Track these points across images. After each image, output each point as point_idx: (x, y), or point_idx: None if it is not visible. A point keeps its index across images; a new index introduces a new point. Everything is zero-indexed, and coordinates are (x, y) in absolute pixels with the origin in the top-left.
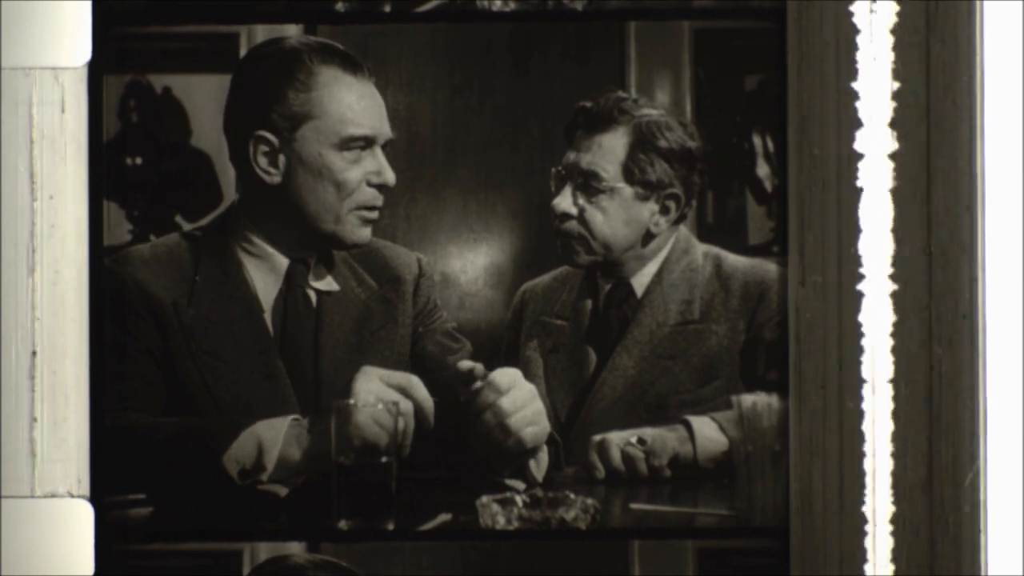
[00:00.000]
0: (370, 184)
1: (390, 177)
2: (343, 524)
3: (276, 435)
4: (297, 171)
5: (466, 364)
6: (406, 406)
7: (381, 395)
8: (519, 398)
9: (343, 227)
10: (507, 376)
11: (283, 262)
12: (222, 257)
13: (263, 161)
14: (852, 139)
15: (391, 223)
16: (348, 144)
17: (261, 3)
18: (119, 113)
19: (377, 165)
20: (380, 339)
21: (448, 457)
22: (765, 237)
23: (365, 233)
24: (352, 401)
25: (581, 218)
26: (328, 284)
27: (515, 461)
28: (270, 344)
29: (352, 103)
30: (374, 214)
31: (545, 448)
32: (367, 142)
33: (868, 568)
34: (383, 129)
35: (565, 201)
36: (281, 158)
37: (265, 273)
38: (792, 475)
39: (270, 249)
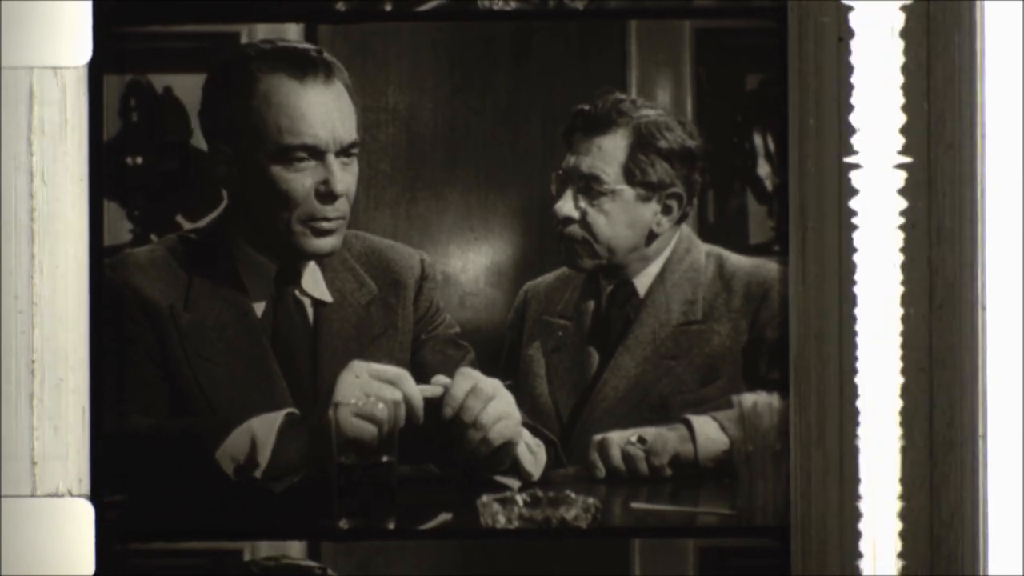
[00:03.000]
0: (319, 194)
1: (339, 186)
2: (344, 523)
3: (270, 430)
4: (247, 181)
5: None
6: (395, 397)
7: (368, 389)
8: (486, 391)
9: (294, 239)
10: (471, 377)
11: (271, 267)
12: (217, 261)
13: (222, 170)
14: (852, 138)
15: (392, 223)
16: (287, 154)
17: (262, 2)
18: (120, 112)
19: (325, 174)
20: (380, 346)
21: (439, 456)
22: (766, 236)
23: (324, 243)
24: (353, 400)
25: (584, 222)
26: (322, 293)
27: (493, 459)
28: (264, 348)
29: (293, 111)
30: (331, 224)
31: (542, 446)
32: (311, 151)
33: (868, 568)
34: (336, 135)
35: (567, 205)
36: (236, 168)
37: (256, 278)
38: (792, 474)
39: (255, 254)
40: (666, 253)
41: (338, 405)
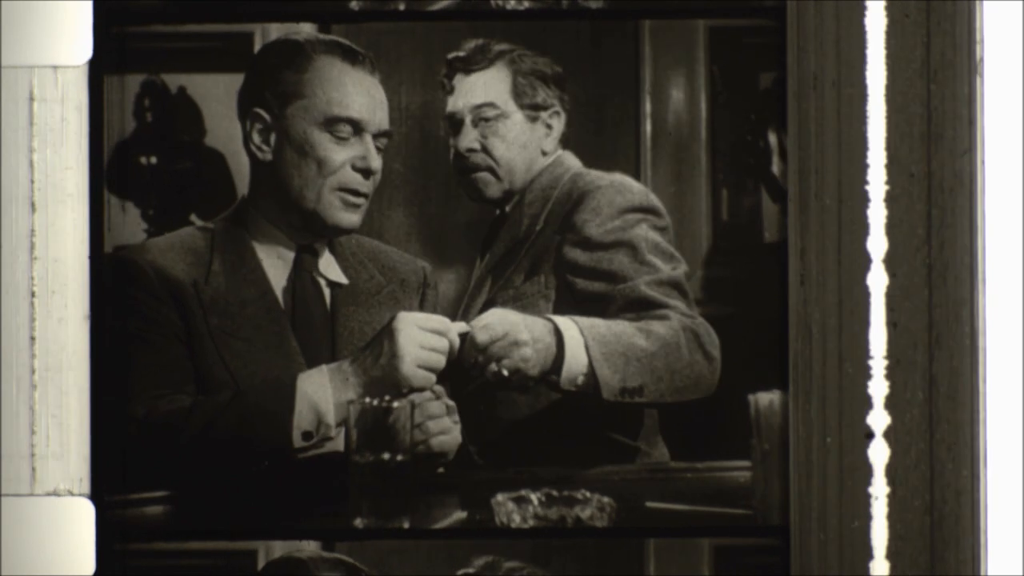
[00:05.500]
0: (355, 168)
1: (375, 163)
2: (358, 522)
3: (324, 390)
4: (285, 148)
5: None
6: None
7: (424, 341)
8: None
9: (323, 207)
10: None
11: (290, 248)
12: (236, 244)
13: (257, 138)
14: (852, 136)
15: (406, 222)
16: (333, 124)
17: (275, 2)
18: (134, 112)
19: (363, 150)
20: None
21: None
22: (780, 234)
23: (349, 218)
24: (418, 352)
25: (484, 149)
26: (338, 276)
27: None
28: (285, 327)
29: (343, 86)
30: (359, 200)
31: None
32: (355, 126)
33: (868, 566)
34: (375, 119)
35: (467, 138)
36: (272, 136)
37: (275, 259)
38: (792, 473)
39: (276, 233)
40: (531, 175)
41: (402, 359)
